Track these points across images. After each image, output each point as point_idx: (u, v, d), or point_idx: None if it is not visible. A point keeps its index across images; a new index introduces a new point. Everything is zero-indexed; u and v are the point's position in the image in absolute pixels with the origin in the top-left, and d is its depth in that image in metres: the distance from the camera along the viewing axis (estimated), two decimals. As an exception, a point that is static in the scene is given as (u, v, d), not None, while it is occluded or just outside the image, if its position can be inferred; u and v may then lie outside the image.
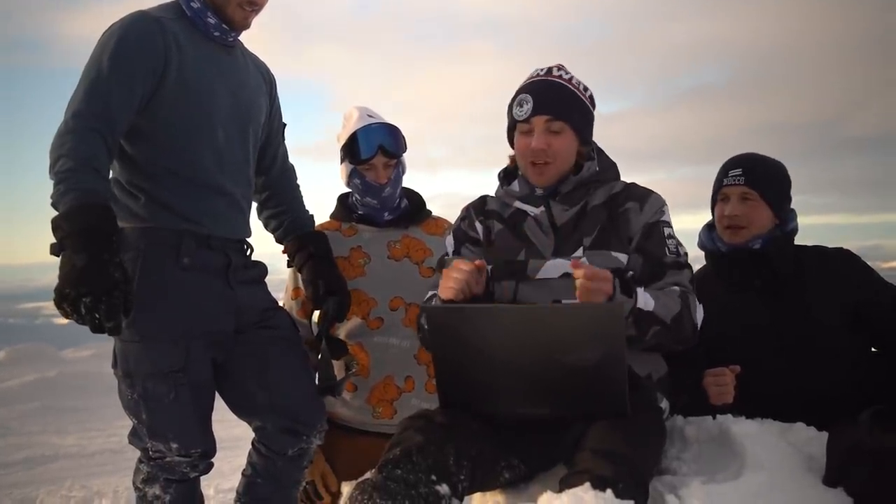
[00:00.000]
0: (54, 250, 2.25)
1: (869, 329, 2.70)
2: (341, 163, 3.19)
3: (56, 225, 2.24)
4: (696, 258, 2.63)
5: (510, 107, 2.51)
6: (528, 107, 2.43)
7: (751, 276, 2.74)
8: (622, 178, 2.57)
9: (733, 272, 2.78)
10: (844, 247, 2.80)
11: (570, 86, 2.48)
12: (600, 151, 2.58)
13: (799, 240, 2.83)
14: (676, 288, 2.36)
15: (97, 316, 2.16)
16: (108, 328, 2.19)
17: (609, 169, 2.56)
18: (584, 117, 2.50)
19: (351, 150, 3.08)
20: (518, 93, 2.49)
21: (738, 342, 2.61)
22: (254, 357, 2.68)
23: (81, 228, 2.22)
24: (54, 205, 2.29)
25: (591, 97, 2.53)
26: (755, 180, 2.72)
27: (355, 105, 3.21)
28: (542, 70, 2.52)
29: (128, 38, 2.46)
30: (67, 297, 2.15)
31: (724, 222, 2.75)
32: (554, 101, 2.44)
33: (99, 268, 2.18)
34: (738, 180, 2.73)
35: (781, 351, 2.61)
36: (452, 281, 2.26)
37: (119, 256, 2.26)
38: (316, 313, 2.97)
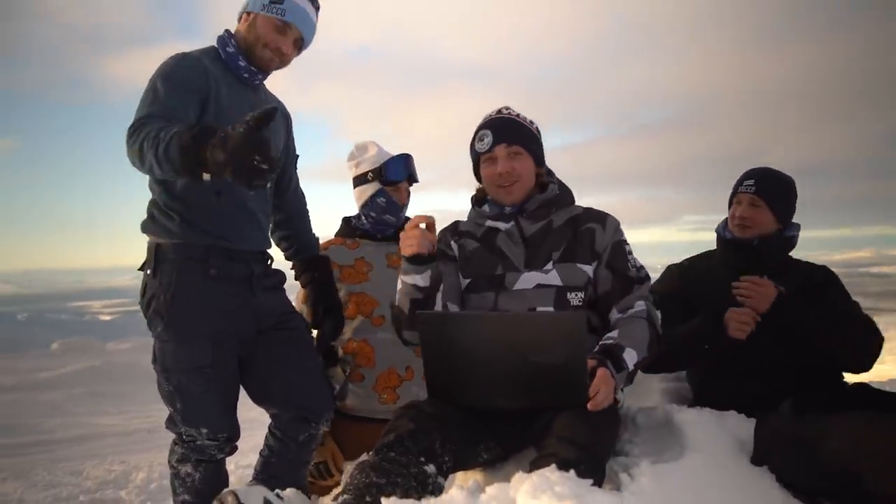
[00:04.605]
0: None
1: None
2: (363, 183, 3.23)
3: (190, 164, 2.05)
4: (649, 266, 2.65)
5: (472, 145, 2.52)
6: (488, 140, 2.45)
7: (744, 263, 2.78)
8: (592, 197, 2.59)
9: (732, 257, 2.84)
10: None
11: (518, 118, 2.50)
12: (553, 175, 2.60)
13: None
14: (643, 305, 2.37)
15: (264, 166, 1.97)
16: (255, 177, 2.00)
17: (567, 193, 2.58)
18: (535, 142, 2.51)
19: (382, 174, 3.17)
20: (477, 131, 2.51)
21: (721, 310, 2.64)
22: (272, 355, 2.66)
23: (193, 165, 2.04)
24: (176, 167, 2.09)
25: (536, 129, 2.55)
26: (763, 190, 2.78)
27: (370, 140, 3.30)
28: (493, 111, 2.54)
29: (177, 68, 2.44)
30: (238, 172, 1.97)
31: (735, 221, 2.82)
32: (509, 131, 2.46)
33: (236, 143, 1.96)
34: (750, 189, 2.79)
35: (760, 327, 2.61)
36: (411, 240, 2.25)
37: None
38: (314, 331, 2.97)
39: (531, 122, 2.54)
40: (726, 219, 2.91)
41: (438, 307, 2.35)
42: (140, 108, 2.35)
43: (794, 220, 2.84)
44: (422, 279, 2.29)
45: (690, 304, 2.77)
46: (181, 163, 2.06)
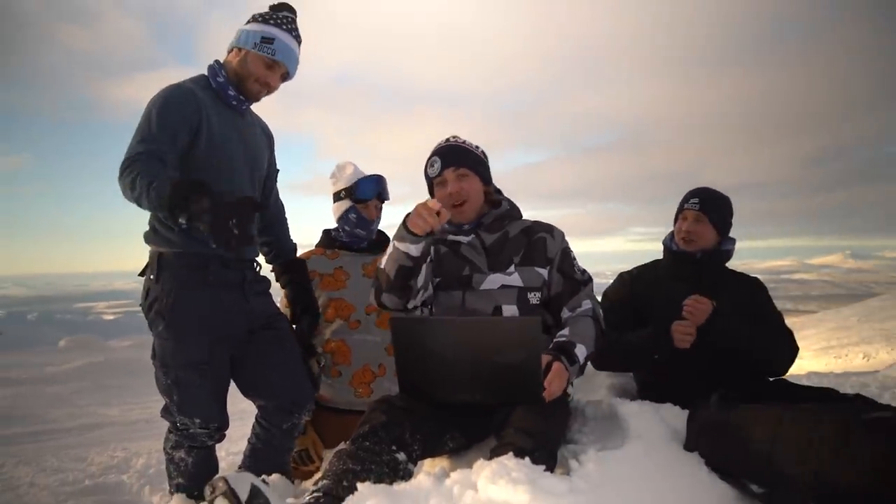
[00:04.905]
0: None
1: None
2: (338, 200, 3.23)
3: (171, 209, 2.13)
4: (599, 272, 2.70)
5: (425, 170, 2.53)
6: (437, 165, 2.47)
7: (688, 273, 2.82)
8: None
9: (678, 268, 2.87)
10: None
11: (464, 145, 2.52)
12: (501, 193, 2.63)
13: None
14: (589, 304, 2.44)
15: (235, 231, 2.09)
16: (242, 238, 2.13)
17: (515, 208, 2.61)
18: (481, 164, 2.53)
19: (353, 192, 3.17)
20: (428, 158, 2.52)
21: (666, 316, 2.67)
22: (260, 353, 2.66)
23: (181, 199, 2.10)
24: (157, 207, 2.18)
25: (482, 153, 2.56)
26: (706, 207, 2.82)
27: (348, 160, 3.30)
28: (442, 140, 2.55)
29: (169, 101, 2.42)
30: (213, 223, 2.08)
31: (681, 234, 2.85)
32: (456, 156, 2.47)
33: (222, 200, 2.10)
34: (695, 206, 2.83)
35: (698, 336, 2.65)
36: (422, 222, 2.19)
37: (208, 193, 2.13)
38: (294, 326, 2.98)
39: (476, 146, 2.55)
40: (672, 232, 2.94)
41: (421, 281, 2.33)
42: (133, 142, 2.33)
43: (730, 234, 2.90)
44: (415, 249, 2.25)
45: (640, 310, 2.80)
46: (169, 200, 2.09)
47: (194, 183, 2.12)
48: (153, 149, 2.29)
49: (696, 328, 2.58)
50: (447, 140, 2.54)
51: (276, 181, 2.97)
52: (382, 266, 2.34)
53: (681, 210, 2.89)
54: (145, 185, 2.17)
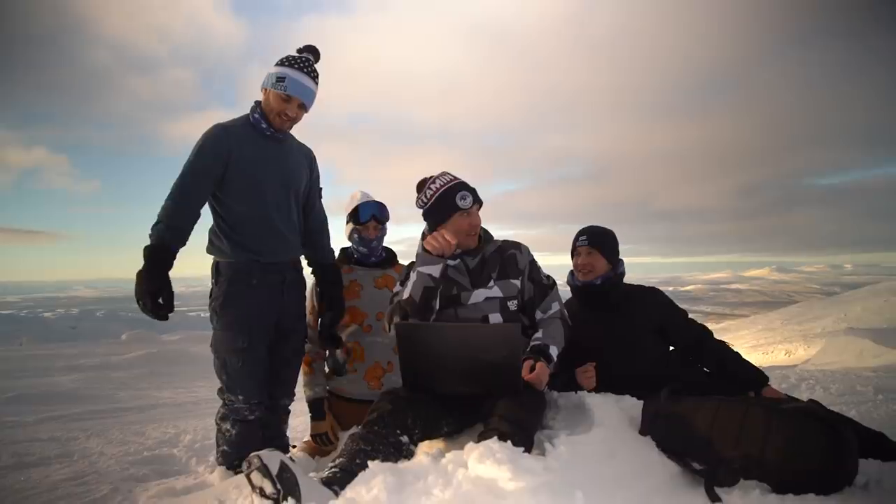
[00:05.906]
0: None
1: (668, 335, 2.77)
2: (347, 223, 3.21)
3: (144, 250, 2.40)
4: (560, 280, 2.71)
5: (452, 198, 2.38)
6: (470, 199, 2.40)
7: (595, 300, 2.79)
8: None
9: (585, 298, 2.84)
10: (656, 277, 2.91)
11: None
12: None
13: (629, 273, 2.88)
14: (557, 307, 2.46)
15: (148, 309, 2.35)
16: (154, 316, 2.36)
17: (487, 233, 2.57)
18: None
19: (354, 216, 3.15)
20: (458, 189, 2.39)
21: (589, 344, 2.65)
22: (273, 349, 2.73)
23: (147, 259, 2.37)
24: (150, 237, 2.42)
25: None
26: (594, 242, 2.81)
27: (359, 189, 3.28)
28: (451, 175, 2.43)
29: (204, 144, 2.54)
30: (136, 296, 2.36)
31: (578, 269, 2.83)
32: (477, 194, 2.46)
33: (147, 287, 2.33)
34: (584, 242, 2.82)
35: (614, 348, 2.64)
36: (437, 243, 2.29)
37: (163, 279, 2.37)
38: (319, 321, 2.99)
39: None
40: (571, 271, 2.91)
41: (437, 304, 2.35)
42: (180, 175, 2.51)
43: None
44: (436, 270, 2.29)
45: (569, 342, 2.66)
46: (146, 251, 2.39)
47: (152, 269, 2.37)
48: (185, 192, 2.48)
49: (594, 366, 2.56)
50: (455, 177, 2.42)
51: (319, 196, 2.97)
52: (406, 295, 2.32)
53: (574, 248, 2.86)
54: (161, 221, 2.42)
